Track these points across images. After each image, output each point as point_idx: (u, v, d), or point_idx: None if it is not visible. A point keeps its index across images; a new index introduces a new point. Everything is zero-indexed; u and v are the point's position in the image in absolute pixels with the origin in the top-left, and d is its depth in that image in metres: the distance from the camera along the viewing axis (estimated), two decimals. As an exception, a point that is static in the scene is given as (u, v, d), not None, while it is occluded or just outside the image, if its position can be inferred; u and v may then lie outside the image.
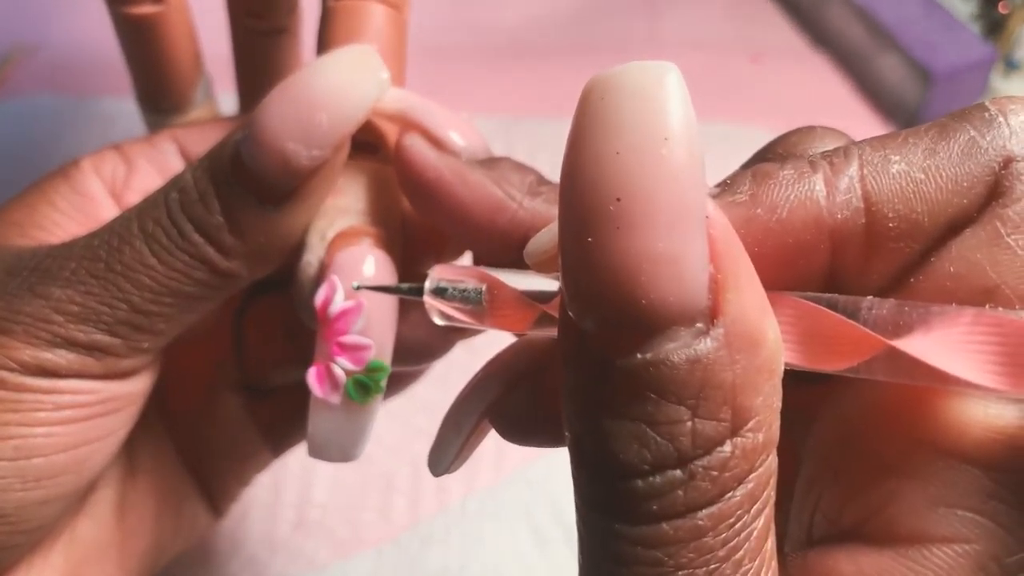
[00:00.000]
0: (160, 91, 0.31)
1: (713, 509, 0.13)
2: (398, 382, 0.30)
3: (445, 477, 0.39)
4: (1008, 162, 0.15)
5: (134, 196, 0.25)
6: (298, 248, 0.22)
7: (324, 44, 0.24)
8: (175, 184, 0.21)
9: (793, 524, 0.16)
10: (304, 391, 0.21)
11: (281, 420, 0.30)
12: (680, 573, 0.13)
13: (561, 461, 0.40)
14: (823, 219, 0.16)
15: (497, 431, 0.20)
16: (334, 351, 0.21)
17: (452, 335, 0.23)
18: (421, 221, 0.24)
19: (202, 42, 0.32)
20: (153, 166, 0.26)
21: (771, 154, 0.18)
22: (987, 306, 0.15)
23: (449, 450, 0.20)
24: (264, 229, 0.21)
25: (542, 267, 0.18)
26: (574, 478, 0.15)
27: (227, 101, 0.35)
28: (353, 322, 0.20)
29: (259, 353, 0.29)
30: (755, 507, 0.14)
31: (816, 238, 0.16)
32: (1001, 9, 0.53)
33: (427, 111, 0.21)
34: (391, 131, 0.23)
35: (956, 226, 0.16)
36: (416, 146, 0.21)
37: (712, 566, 0.13)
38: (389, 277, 0.21)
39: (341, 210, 0.22)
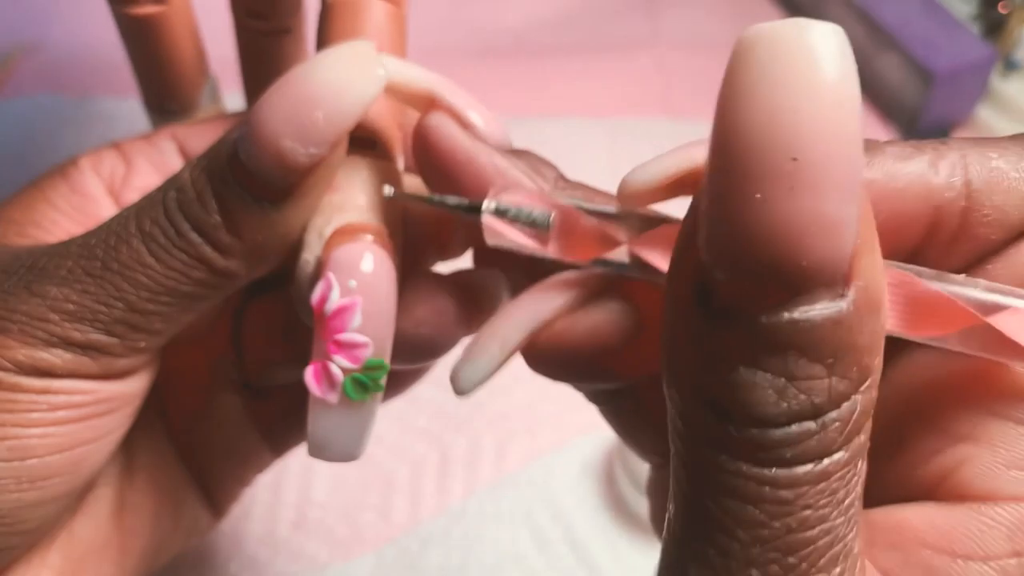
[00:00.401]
0: (165, 93, 0.31)
1: (837, 457, 0.14)
2: (400, 382, 0.30)
3: (445, 477, 0.40)
4: None
5: (133, 195, 0.25)
6: (297, 246, 0.22)
7: (323, 41, 0.23)
8: (173, 183, 0.21)
9: None
10: (304, 391, 0.21)
11: (281, 420, 0.29)
12: (805, 512, 0.14)
13: (561, 462, 0.40)
14: (932, 195, 0.17)
15: (533, 357, 0.20)
16: (331, 349, 0.20)
17: (457, 331, 0.23)
18: (423, 217, 0.23)
19: (208, 43, 0.32)
20: (152, 165, 0.26)
21: None
22: None
23: (487, 365, 0.20)
24: (262, 228, 0.21)
25: (635, 200, 0.18)
26: (686, 420, 0.15)
27: (234, 102, 0.35)
28: (349, 320, 0.20)
29: (258, 353, 0.28)
30: (863, 456, 0.15)
31: (922, 211, 0.17)
32: (1001, 9, 0.53)
33: (454, 92, 0.21)
34: (389, 127, 0.23)
35: None
36: (445, 126, 0.20)
37: (831, 508, 0.15)
38: (388, 274, 0.21)
39: (339, 207, 0.22)
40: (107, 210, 0.25)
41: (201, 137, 0.26)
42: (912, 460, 0.18)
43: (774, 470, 0.14)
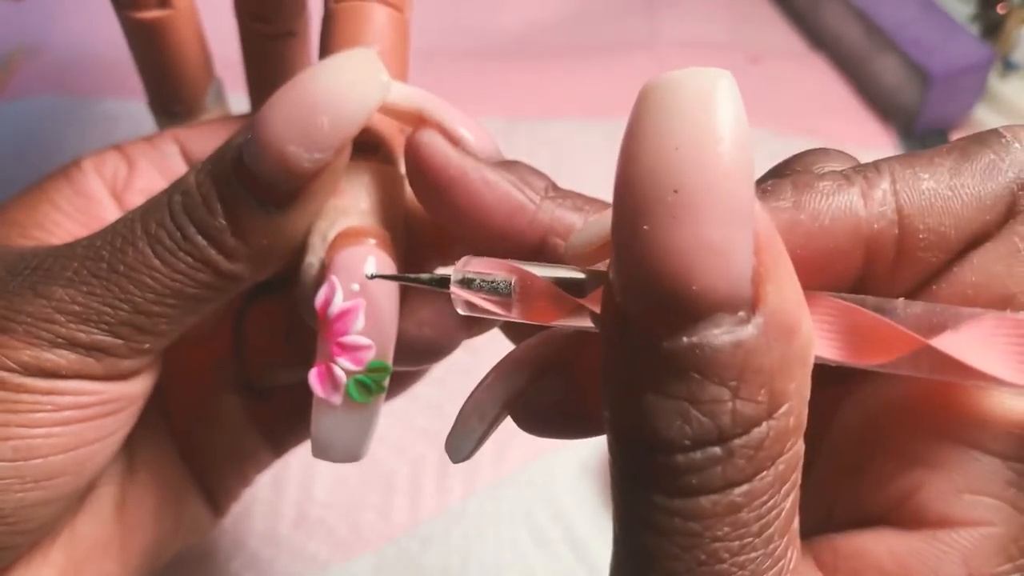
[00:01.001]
0: (171, 95, 0.31)
1: (748, 487, 0.14)
2: (400, 382, 0.30)
3: (445, 477, 0.40)
4: None
5: (135, 196, 0.25)
6: (301, 250, 0.22)
7: (326, 46, 0.24)
8: (178, 187, 0.21)
9: (806, 511, 0.17)
10: (305, 391, 0.21)
11: (281, 421, 0.30)
12: (715, 545, 0.14)
13: (561, 462, 0.40)
14: (861, 228, 0.17)
15: (517, 421, 0.21)
16: (334, 351, 0.21)
17: (458, 334, 0.23)
18: (425, 221, 0.24)
19: (213, 45, 0.32)
20: (154, 167, 0.26)
21: (788, 170, 0.19)
22: (1007, 310, 0.16)
23: (471, 437, 0.21)
24: (267, 231, 0.21)
25: (582, 260, 0.19)
26: (612, 453, 0.16)
27: (239, 104, 0.35)
28: (353, 322, 0.20)
29: (260, 354, 0.29)
30: (784, 488, 0.15)
31: (853, 245, 0.17)
32: (999, 10, 0.53)
33: (443, 109, 0.21)
34: (392, 131, 0.23)
35: (977, 240, 0.17)
36: (435, 143, 0.20)
37: (745, 540, 0.14)
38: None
39: (342, 211, 0.22)
40: (110, 212, 0.25)
41: (203, 139, 0.26)
42: (872, 483, 0.18)
43: (682, 500, 0.14)
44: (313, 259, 0.22)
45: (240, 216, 0.20)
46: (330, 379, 0.21)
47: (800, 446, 0.15)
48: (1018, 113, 0.52)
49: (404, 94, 0.21)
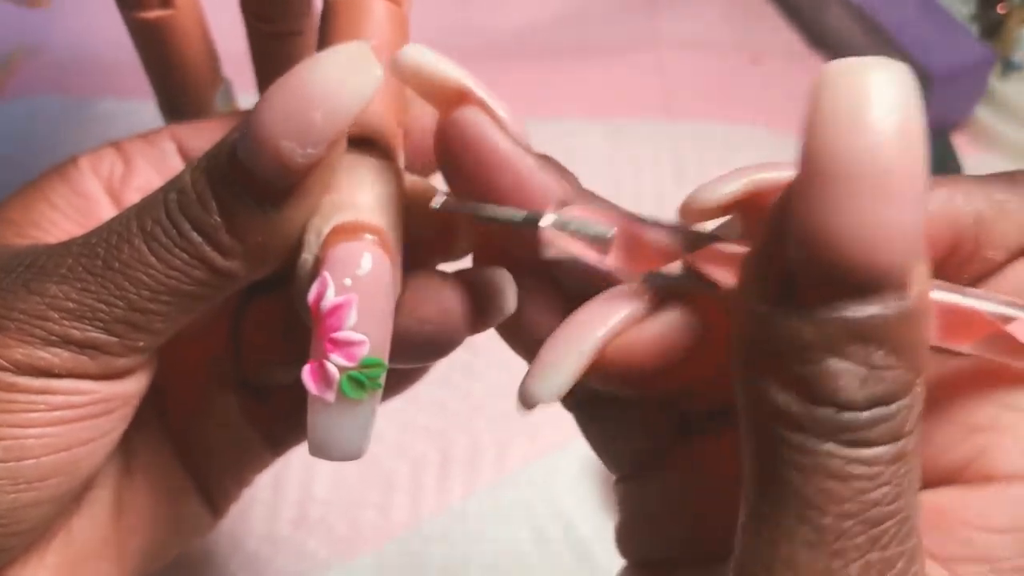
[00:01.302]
0: (178, 96, 0.31)
1: (905, 440, 0.17)
2: (401, 381, 0.30)
3: (446, 476, 0.40)
4: None
5: (132, 195, 0.25)
6: (298, 246, 0.22)
7: (324, 41, 0.24)
8: (174, 184, 0.21)
9: None
10: (303, 391, 0.21)
11: (280, 420, 0.29)
12: (883, 488, 0.17)
13: (562, 461, 0.40)
14: (954, 221, 0.20)
15: (596, 370, 0.21)
16: (327, 348, 0.20)
17: (461, 331, 0.23)
18: (425, 217, 0.24)
19: (223, 44, 0.32)
20: (151, 165, 0.26)
21: None
22: None
23: (566, 377, 0.20)
24: (262, 229, 0.21)
25: (698, 216, 0.20)
26: (772, 407, 0.17)
27: (249, 103, 0.35)
28: (345, 317, 0.20)
29: (257, 352, 0.28)
30: (920, 444, 0.17)
31: (947, 234, 0.20)
32: (1000, 10, 0.53)
33: (487, 92, 0.20)
34: (389, 125, 0.23)
35: None
36: (482, 122, 0.20)
37: (904, 485, 0.17)
38: (385, 272, 0.21)
39: (337, 206, 0.22)
40: (106, 210, 0.25)
41: (201, 136, 0.26)
42: (933, 451, 0.20)
43: (860, 450, 0.17)
44: (308, 255, 0.22)
45: (235, 213, 0.20)
46: (323, 376, 0.20)
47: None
48: (1019, 113, 0.52)
49: (445, 68, 0.21)
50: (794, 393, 0.17)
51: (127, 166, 0.26)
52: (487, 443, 0.41)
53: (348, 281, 0.20)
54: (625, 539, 0.25)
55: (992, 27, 0.53)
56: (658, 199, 0.50)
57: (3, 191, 0.26)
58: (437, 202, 0.21)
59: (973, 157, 0.53)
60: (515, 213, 0.20)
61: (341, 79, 0.20)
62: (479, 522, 0.38)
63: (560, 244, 0.19)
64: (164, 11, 0.26)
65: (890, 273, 0.16)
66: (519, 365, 0.46)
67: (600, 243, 0.19)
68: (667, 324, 0.20)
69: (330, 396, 0.21)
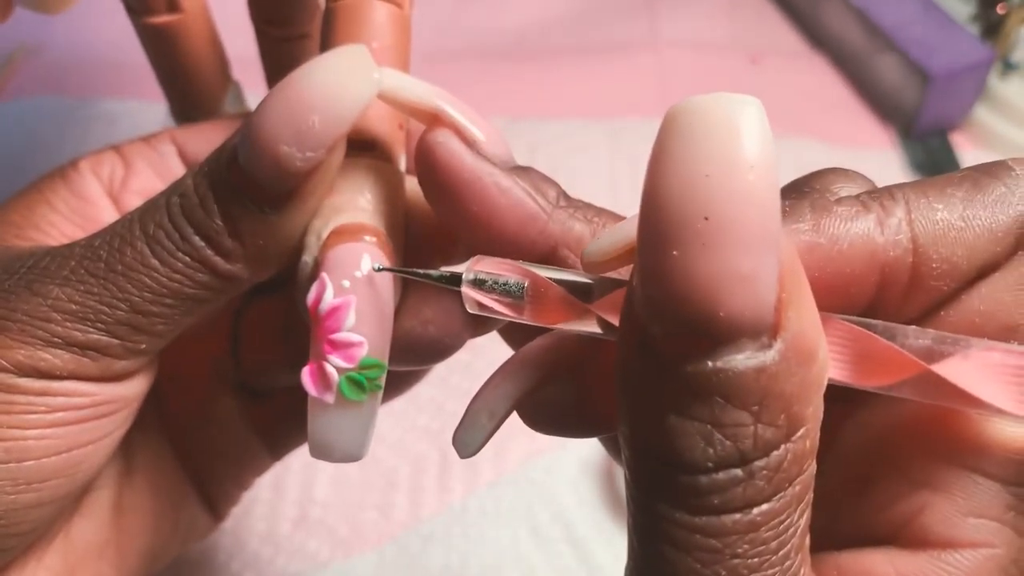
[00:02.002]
0: (188, 100, 0.31)
1: (767, 506, 0.15)
2: (402, 382, 0.30)
3: (446, 476, 0.40)
4: None
5: (132, 197, 0.25)
6: (299, 249, 0.22)
7: (326, 43, 0.24)
8: (176, 188, 0.21)
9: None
10: (303, 394, 0.21)
11: (279, 423, 0.29)
12: (735, 561, 0.15)
13: (561, 461, 0.40)
14: (877, 254, 0.18)
15: (525, 419, 0.21)
16: (325, 349, 0.20)
17: (463, 333, 0.23)
18: (426, 220, 0.24)
19: (233, 47, 0.32)
20: (151, 167, 0.26)
21: (807, 188, 0.20)
22: (1013, 342, 0.17)
23: (480, 434, 0.21)
24: (263, 232, 0.21)
25: (597, 268, 0.19)
26: (631, 467, 0.16)
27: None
28: (343, 319, 0.20)
29: (257, 355, 0.29)
30: (800, 507, 0.15)
31: (869, 271, 0.18)
32: (999, 10, 0.53)
33: (458, 108, 0.21)
34: (389, 128, 0.23)
35: (986, 270, 0.18)
36: (449, 143, 0.20)
37: (764, 557, 0.15)
38: (383, 274, 0.21)
39: (337, 209, 0.22)
40: (106, 213, 0.25)
41: (200, 139, 0.26)
42: (876, 503, 0.19)
43: (704, 518, 0.15)
44: (308, 258, 0.22)
45: (236, 217, 0.21)
46: (322, 377, 0.21)
47: (813, 466, 0.16)
48: (1018, 113, 0.52)
49: (418, 91, 0.21)
50: (648, 453, 0.15)
51: (127, 169, 0.26)
52: (488, 442, 0.41)
53: (346, 283, 0.20)
54: None
55: (991, 27, 0.53)
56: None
57: (3, 190, 0.26)
58: (375, 266, 0.21)
59: (972, 157, 0.53)
60: (441, 273, 0.20)
61: (339, 83, 0.20)
62: (479, 522, 0.38)
63: (482, 301, 0.19)
64: (172, 16, 0.26)
65: (736, 323, 0.14)
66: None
67: (514, 298, 0.19)
68: (580, 379, 0.20)
69: (329, 397, 0.21)
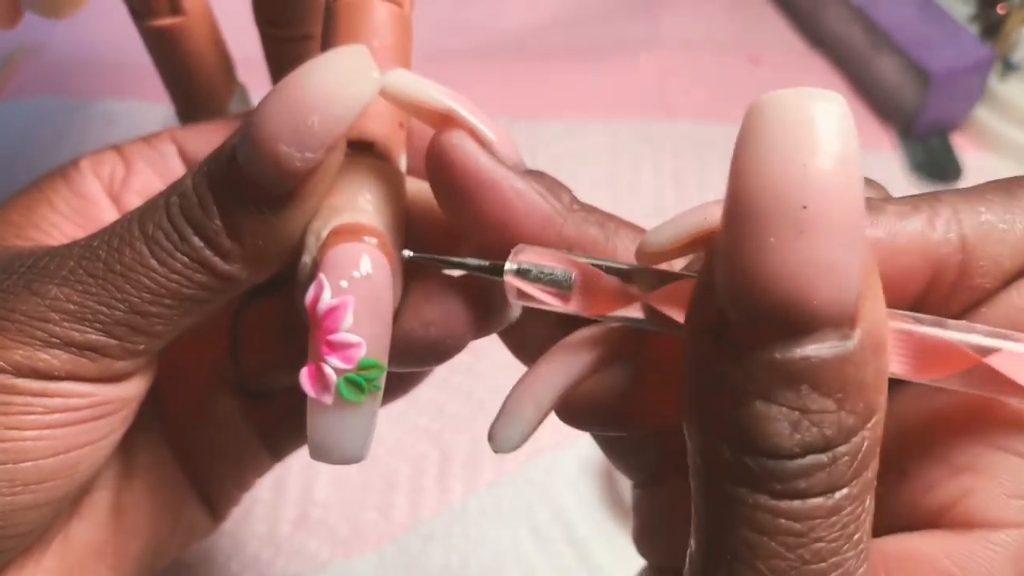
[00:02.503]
0: (193, 102, 0.31)
1: (847, 491, 0.16)
2: (404, 383, 0.30)
3: (446, 476, 0.40)
4: None
5: (131, 197, 0.25)
6: (299, 250, 0.22)
7: (327, 43, 0.23)
8: (175, 188, 0.21)
9: None
10: (302, 395, 0.21)
11: (279, 424, 0.29)
12: (818, 545, 0.16)
13: (561, 461, 0.40)
14: (930, 251, 0.18)
15: (561, 413, 0.21)
16: (323, 350, 0.20)
17: (466, 335, 0.23)
18: (427, 220, 0.24)
19: (240, 50, 0.32)
20: (152, 167, 0.26)
21: None
22: None
23: (523, 428, 0.21)
24: (262, 233, 0.21)
25: (653, 259, 0.19)
26: (704, 454, 0.16)
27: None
28: (341, 320, 0.20)
29: (256, 355, 0.28)
30: (870, 494, 0.16)
31: (922, 266, 0.19)
32: (999, 10, 0.53)
33: (474, 112, 0.20)
34: (389, 127, 0.23)
35: None
36: (464, 145, 0.20)
37: (842, 542, 0.16)
38: (382, 274, 0.21)
39: (336, 209, 0.21)
40: (107, 212, 0.25)
41: (201, 139, 0.26)
42: (916, 489, 0.19)
43: (788, 502, 0.15)
44: (307, 258, 0.21)
45: (235, 218, 0.20)
46: (320, 378, 0.20)
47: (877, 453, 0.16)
48: (1018, 114, 0.52)
49: (430, 92, 0.21)
50: (725, 439, 0.16)
51: (127, 168, 0.26)
52: (486, 443, 0.41)
53: (344, 283, 0.20)
54: (642, 542, 0.25)
55: (992, 27, 0.53)
56: (657, 199, 0.50)
57: (3, 190, 0.26)
58: (406, 254, 0.21)
59: (973, 157, 0.53)
60: (480, 262, 0.20)
61: (339, 83, 0.20)
62: (479, 522, 0.38)
63: (524, 290, 0.19)
64: (175, 18, 0.26)
65: (825, 312, 0.15)
66: (518, 366, 0.46)
67: (561, 288, 0.19)
68: (626, 371, 0.20)
69: (328, 399, 0.20)
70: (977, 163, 0.52)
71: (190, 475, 0.28)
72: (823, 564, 0.16)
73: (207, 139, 0.26)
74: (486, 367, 0.43)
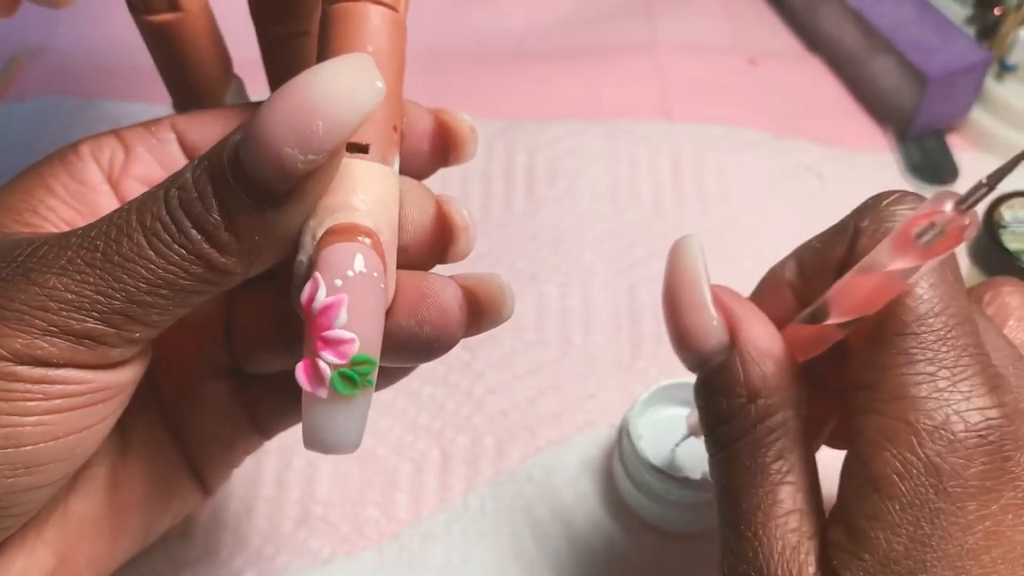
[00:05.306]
0: (191, 95, 0.31)
1: (757, 428, 0.25)
2: (390, 375, 0.30)
3: (446, 474, 0.40)
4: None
5: (131, 183, 0.26)
6: (295, 248, 0.23)
7: (323, 47, 0.24)
8: (175, 181, 0.21)
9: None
10: (294, 381, 0.22)
11: (269, 406, 0.30)
12: (742, 442, 0.25)
13: (561, 459, 0.41)
14: (783, 284, 0.28)
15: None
16: (318, 346, 0.21)
17: (457, 332, 0.24)
18: (417, 222, 0.24)
19: (237, 46, 0.33)
20: (151, 154, 0.26)
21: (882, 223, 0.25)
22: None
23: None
24: (260, 228, 0.21)
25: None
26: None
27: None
28: (335, 317, 0.21)
29: (251, 340, 0.29)
30: (768, 423, 0.25)
31: (786, 295, 0.28)
32: (996, 12, 0.54)
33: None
34: (384, 130, 0.23)
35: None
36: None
37: (756, 446, 0.25)
38: (375, 272, 0.21)
39: (331, 209, 0.22)
40: (105, 198, 0.25)
41: (201, 127, 0.27)
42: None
43: (733, 436, 0.26)
44: (303, 257, 0.22)
45: (234, 212, 0.21)
46: (315, 373, 0.21)
47: (784, 414, 0.25)
48: (1015, 115, 0.52)
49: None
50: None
51: (127, 154, 0.26)
52: (487, 441, 0.41)
53: (339, 282, 0.21)
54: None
55: (988, 29, 0.54)
56: (656, 200, 0.51)
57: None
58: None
59: (969, 158, 0.53)
60: None
61: (344, 90, 0.20)
62: (479, 520, 0.39)
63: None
64: (173, 14, 0.27)
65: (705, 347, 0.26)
66: (518, 365, 0.47)
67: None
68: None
69: (323, 392, 0.21)
70: (974, 164, 0.52)
71: (183, 453, 0.29)
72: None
73: (207, 127, 0.27)
74: (485, 365, 0.43)
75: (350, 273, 0.21)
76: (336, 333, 0.21)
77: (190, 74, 0.30)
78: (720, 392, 0.25)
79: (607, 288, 0.47)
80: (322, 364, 0.21)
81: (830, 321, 0.24)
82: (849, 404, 0.24)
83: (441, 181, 0.49)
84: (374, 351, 0.22)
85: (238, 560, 0.37)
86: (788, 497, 0.24)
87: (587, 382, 0.43)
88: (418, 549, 0.38)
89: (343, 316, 0.21)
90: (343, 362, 0.21)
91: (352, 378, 0.21)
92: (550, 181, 0.51)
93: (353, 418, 0.22)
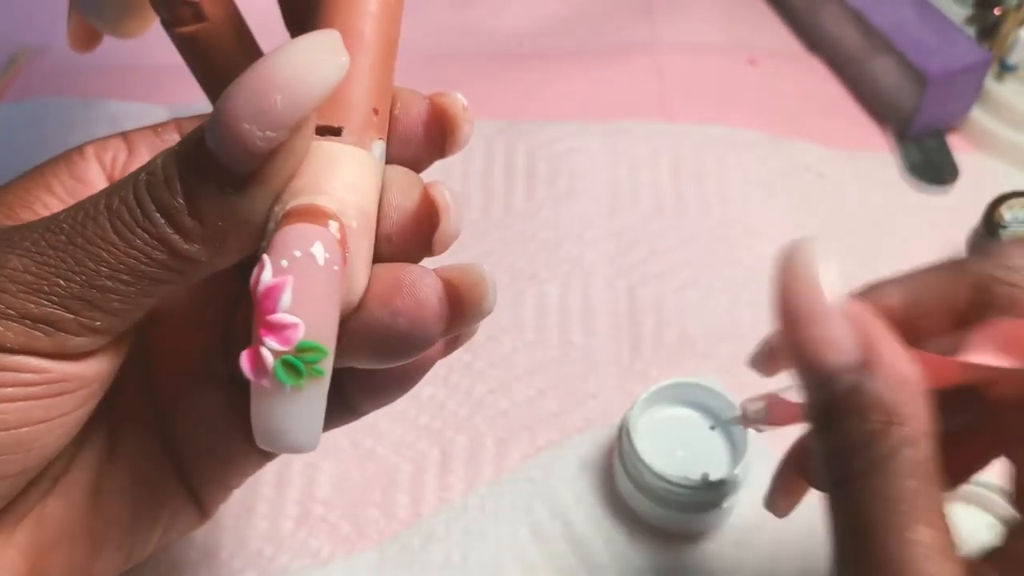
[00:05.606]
0: None
1: (900, 454, 0.22)
2: (400, 383, 0.29)
3: (446, 474, 0.40)
4: None
5: None
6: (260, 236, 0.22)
7: (311, 27, 0.23)
8: (147, 166, 0.21)
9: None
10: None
11: None
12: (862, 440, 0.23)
13: (561, 459, 0.41)
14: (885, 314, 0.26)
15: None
16: (261, 331, 0.20)
17: (436, 326, 0.22)
18: (399, 212, 0.23)
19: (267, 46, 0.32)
20: (154, 153, 0.26)
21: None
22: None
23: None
24: (223, 213, 0.21)
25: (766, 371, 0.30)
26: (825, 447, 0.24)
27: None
28: (278, 299, 0.20)
29: (245, 346, 0.28)
30: (909, 452, 0.22)
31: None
32: (996, 12, 0.53)
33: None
34: (362, 112, 0.23)
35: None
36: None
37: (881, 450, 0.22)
38: (328, 254, 0.20)
39: (295, 192, 0.21)
40: None
41: None
42: None
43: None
44: (265, 243, 0.21)
45: (198, 196, 0.20)
46: (257, 360, 0.20)
47: (924, 445, 0.23)
48: (1015, 115, 0.52)
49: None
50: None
51: (131, 155, 0.26)
52: (487, 441, 0.41)
53: (284, 262, 0.20)
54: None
55: (988, 29, 0.54)
56: (656, 200, 0.51)
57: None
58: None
59: (969, 158, 0.53)
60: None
61: (305, 65, 0.20)
62: (479, 519, 0.39)
63: (754, 427, 0.31)
64: (199, 25, 0.26)
65: (824, 369, 0.23)
66: (518, 365, 0.47)
67: (764, 416, 0.30)
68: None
69: (265, 382, 0.20)
70: (974, 164, 0.52)
71: (176, 467, 0.28)
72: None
73: None
74: (485, 365, 0.43)
75: (297, 253, 0.20)
76: (279, 317, 0.20)
77: (223, 80, 0.30)
78: (853, 415, 0.22)
79: (607, 288, 0.47)
80: (264, 351, 0.20)
81: (971, 359, 0.23)
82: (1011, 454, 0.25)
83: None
84: (324, 338, 0.20)
85: (238, 560, 0.37)
86: (937, 536, 0.22)
87: (587, 382, 0.43)
88: (418, 549, 0.38)
89: (287, 299, 0.20)
90: (286, 348, 0.20)
91: (295, 366, 0.20)
92: (550, 181, 0.51)
93: (303, 413, 0.20)
